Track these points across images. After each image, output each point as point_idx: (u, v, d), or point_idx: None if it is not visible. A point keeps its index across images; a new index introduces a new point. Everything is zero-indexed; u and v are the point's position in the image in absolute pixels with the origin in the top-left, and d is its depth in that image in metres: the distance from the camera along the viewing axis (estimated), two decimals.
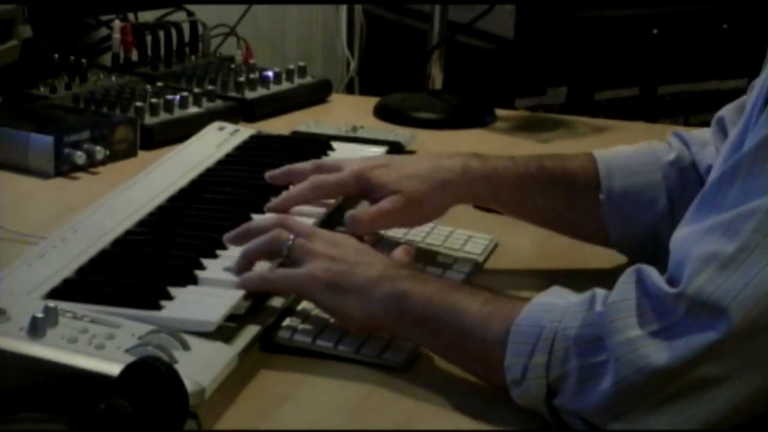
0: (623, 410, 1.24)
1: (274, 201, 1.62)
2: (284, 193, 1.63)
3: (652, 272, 1.26)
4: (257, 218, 1.57)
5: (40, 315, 1.31)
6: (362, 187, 1.61)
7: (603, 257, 1.65)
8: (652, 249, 1.61)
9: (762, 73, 1.34)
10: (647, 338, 1.23)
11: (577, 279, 1.41)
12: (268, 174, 1.67)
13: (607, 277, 1.32)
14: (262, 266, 1.47)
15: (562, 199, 1.64)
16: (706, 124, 1.64)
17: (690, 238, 1.25)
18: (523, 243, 1.72)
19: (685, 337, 1.21)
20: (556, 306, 1.30)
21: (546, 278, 1.39)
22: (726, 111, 1.61)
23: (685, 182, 1.61)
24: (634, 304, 1.25)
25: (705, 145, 1.61)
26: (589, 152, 1.65)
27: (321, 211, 1.63)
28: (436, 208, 1.63)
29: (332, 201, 1.65)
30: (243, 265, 1.47)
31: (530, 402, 1.30)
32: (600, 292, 1.29)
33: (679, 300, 1.22)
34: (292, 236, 1.45)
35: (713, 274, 1.21)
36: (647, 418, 1.24)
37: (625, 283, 1.27)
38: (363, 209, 1.60)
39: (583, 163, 1.64)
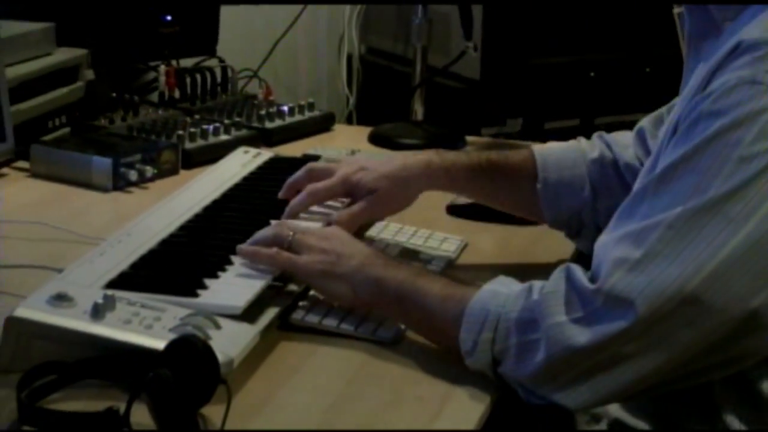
0: (552, 378, 1.25)
1: (283, 215, 1.62)
2: (288, 206, 1.63)
3: (578, 270, 1.26)
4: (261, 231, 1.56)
5: (100, 301, 1.30)
6: (348, 189, 1.61)
7: (549, 255, 1.65)
8: (577, 227, 1.63)
9: (676, 107, 1.33)
10: (571, 323, 1.23)
11: (528, 272, 1.41)
12: (280, 194, 1.68)
13: (551, 270, 1.31)
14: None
15: (506, 185, 1.65)
16: None
17: (608, 244, 1.25)
18: (488, 244, 1.72)
19: (601, 323, 1.22)
20: (500, 293, 1.30)
21: (504, 271, 1.39)
22: (645, 122, 1.62)
23: (605, 176, 1.61)
24: (563, 295, 1.25)
25: (626, 147, 1.62)
26: (529, 148, 1.66)
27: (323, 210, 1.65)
28: (406, 199, 1.64)
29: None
30: (246, 254, 1.47)
31: (480, 368, 1.30)
32: (536, 283, 1.29)
33: (597, 294, 1.22)
34: (291, 233, 1.45)
35: (624, 275, 1.21)
36: (571, 386, 1.24)
37: (558, 278, 1.27)
38: (344, 210, 1.60)
39: (524, 157, 1.64)
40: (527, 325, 1.26)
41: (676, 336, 1.19)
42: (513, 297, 1.29)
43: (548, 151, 1.64)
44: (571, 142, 1.66)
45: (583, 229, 1.61)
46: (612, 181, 1.60)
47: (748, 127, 1.17)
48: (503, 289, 1.31)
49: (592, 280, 1.24)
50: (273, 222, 1.58)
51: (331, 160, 1.95)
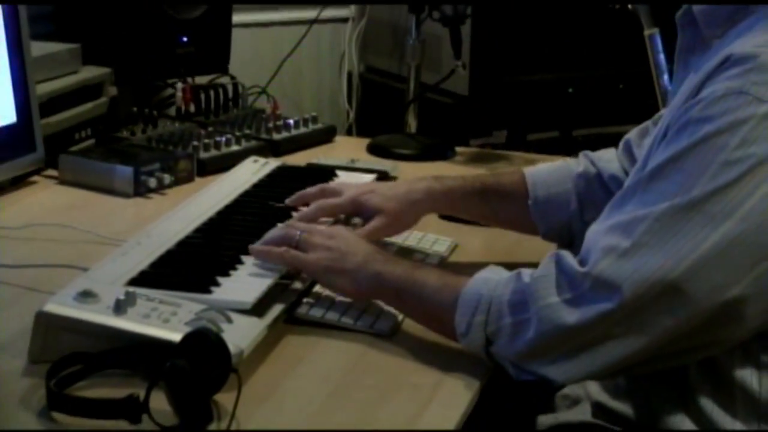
0: (541, 354, 1.25)
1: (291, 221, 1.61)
2: (297, 214, 1.63)
3: (567, 255, 1.26)
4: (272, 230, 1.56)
5: (122, 297, 1.30)
6: (356, 209, 1.61)
7: (533, 255, 1.63)
8: (568, 238, 1.62)
9: (666, 114, 1.33)
10: (561, 304, 1.23)
11: (513, 268, 1.40)
12: (288, 200, 1.67)
13: (534, 267, 1.31)
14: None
15: (500, 206, 1.64)
16: None
17: (598, 232, 1.25)
18: (476, 244, 1.71)
19: (589, 305, 1.21)
20: (491, 279, 1.31)
21: (490, 260, 1.39)
22: (632, 134, 1.62)
23: (590, 189, 1.60)
24: (554, 279, 1.25)
25: (610, 161, 1.61)
26: (520, 170, 1.65)
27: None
28: (410, 221, 1.64)
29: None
30: (257, 254, 1.47)
31: (473, 349, 1.30)
32: (525, 270, 1.29)
33: (586, 277, 1.22)
34: (299, 232, 1.45)
35: (612, 262, 1.20)
36: (559, 361, 1.24)
37: (548, 263, 1.27)
38: (359, 229, 1.58)
39: (515, 179, 1.64)
40: (518, 306, 1.26)
41: (656, 320, 1.19)
42: (503, 282, 1.29)
43: (537, 172, 1.64)
44: (558, 162, 1.66)
45: (575, 239, 1.60)
46: (597, 194, 1.59)
47: (733, 133, 1.17)
48: (494, 276, 1.31)
49: (581, 264, 1.24)
50: (280, 225, 1.57)
51: (333, 166, 1.96)
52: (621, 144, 1.61)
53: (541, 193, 1.62)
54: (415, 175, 1.99)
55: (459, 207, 1.66)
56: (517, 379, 1.28)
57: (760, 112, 1.17)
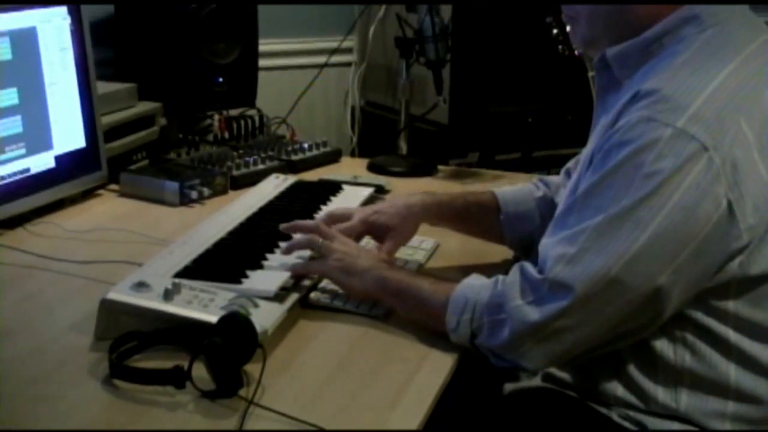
0: (516, 348, 1.24)
1: None
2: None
3: (529, 266, 1.26)
4: (302, 222, 1.52)
5: (170, 287, 1.30)
6: (367, 229, 1.57)
7: (498, 256, 1.64)
8: (528, 246, 1.60)
9: (588, 144, 1.33)
10: (526, 305, 1.23)
11: (481, 266, 1.41)
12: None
13: (500, 265, 1.32)
14: (299, 253, 1.47)
15: (478, 218, 1.63)
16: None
17: (548, 245, 1.24)
18: (454, 244, 1.70)
19: (548, 303, 1.21)
20: (475, 285, 1.30)
21: (466, 263, 1.39)
22: (570, 164, 1.60)
23: (549, 209, 1.58)
24: (519, 285, 1.24)
25: (558, 187, 1.60)
26: (491, 190, 1.64)
27: None
28: (413, 231, 1.60)
29: None
30: (287, 251, 1.46)
31: (461, 341, 1.29)
32: (501, 277, 1.29)
33: (544, 282, 1.22)
34: (320, 240, 1.44)
35: (563, 267, 1.20)
36: (530, 350, 1.24)
37: (515, 272, 1.26)
38: (382, 249, 1.53)
39: (489, 198, 1.63)
40: (495, 308, 1.25)
41: (603, 310, 1.19)
42: (484, 287, 1.28)
43: (505, 192, 1.62)
44: (520, 185, 1.64)
45: (534, 247, 1.58)
46: (552, 213, 1.58)
47: (648, 152, 1.17)
48: (477, 282, 1.30)
49: (540, 272, 1.23)
50: (309, 221, 1.53)
51: (339, 181, 1.95)
52: (562, 172, 1.60)
53: (510, 209, 1.60)
54: (407, 188, 2.00)
55: (446, 218, 1.63)
56: (497, 366, 1.27)
57: (666, 135, 1.16)
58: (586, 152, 1.31)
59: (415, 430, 1.13)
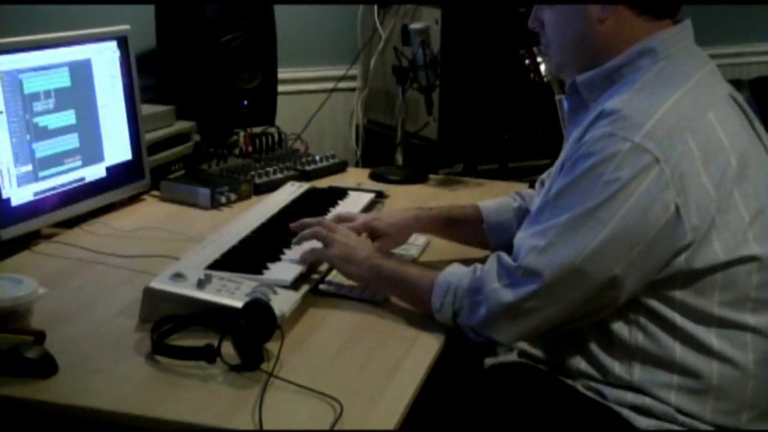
0: (492, 325, 1.24)
1: None
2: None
3: (504, 255, 1.26)
4: (307, 219, 1.53)
5: (202, 278, 1.31)
6: (367, 230, 1.55)
7: (479, 252, 1.64)
8: (509, 249, 1.59)
9: (561, 153, 1.34)
10: (502, 288, 1.23)
11: (464, 259, 1.41)
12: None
13: (480, 259, 1.31)
14: (309, 243, 1.47)
15: (464, 228, 1.61)
16: (534, 182, 1.64)
17: (523, 238, 1.25)
18: (443, 242, 1.69)
19: (521, 287, 1.21)
20: (456, 272, 1.30)
21: (452, 257, 1.39)
22: (544, 175, 1.59)
23: (525, 217, 1.57)
24: (495, 270, 1.25)
25: (533, 197, 1.58)
26: (476, 204, 1.63)
27: None
28: (404, 239, 1.59)
29: None
30: (298, 242, 1.47)
31: (444, 320, 1.30)
32: (479, 265, 1.29)
33: (518, 269, 1.22)
34: (325, 231, 1.44)
35: (535, 256, 1.21)
36: (504, 327, 1.24)
37: (492, 260, 1.27)
38: (374, 245, 1.51)
39: (473, 210, 1.61)
40: (474, 291, 1.26)
41: (567, 294, 1.20)
42: (465, 274, 1.29)
43: (487, 205, 1.61)
44: (500, 199, 1.63)
45: (511, 249, 1.57)
46: None
47: (609, 163, 1.18)
48: (458, 270, 1.31)
49: (514, 260, 1.24)
50: (316, 218, 1.53)
51: (346, 188, 1.95)
52: (538, 181, 1.60)
53: (492, 219, 1.59)
54: (403, 194, 2.00)
55: (436, 229, 1.62)
56: (475, 341, 1.27)
57: (625, 148, 1.17)
58: (559, 160, 1.32)
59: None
